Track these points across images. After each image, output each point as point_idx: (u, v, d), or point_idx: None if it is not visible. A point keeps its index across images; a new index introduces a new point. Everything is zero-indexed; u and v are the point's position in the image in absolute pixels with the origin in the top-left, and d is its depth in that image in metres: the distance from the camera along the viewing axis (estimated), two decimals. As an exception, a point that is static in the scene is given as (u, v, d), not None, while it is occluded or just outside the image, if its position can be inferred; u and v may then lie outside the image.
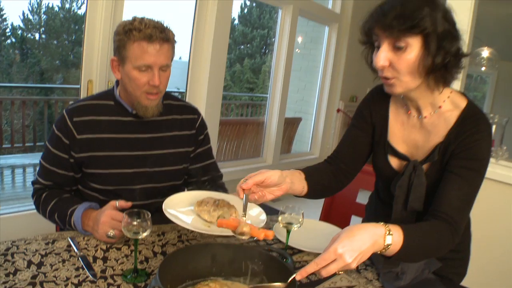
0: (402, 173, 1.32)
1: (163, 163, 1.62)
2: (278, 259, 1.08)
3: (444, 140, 1.25)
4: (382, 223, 1.06)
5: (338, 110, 5.59)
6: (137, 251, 1.18)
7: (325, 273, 0.98)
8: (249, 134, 5.14)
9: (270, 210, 1.28)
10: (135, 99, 1.51)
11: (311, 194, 1.39)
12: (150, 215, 1.15)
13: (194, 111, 1.75)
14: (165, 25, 1.50)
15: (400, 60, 1.14)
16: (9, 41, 8.40)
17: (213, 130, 3.81)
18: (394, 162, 1.37)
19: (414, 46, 1.12)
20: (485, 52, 5.63)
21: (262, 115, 5.02)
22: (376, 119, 1.41)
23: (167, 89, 1.62)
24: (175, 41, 1.53)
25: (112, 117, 1.56)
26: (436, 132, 1.27)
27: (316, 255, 1.39)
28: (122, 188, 1.57)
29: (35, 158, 4.97)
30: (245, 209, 1.14)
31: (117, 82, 1.60)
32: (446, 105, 1.25)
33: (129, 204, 1.36)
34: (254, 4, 12.72)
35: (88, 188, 1.59)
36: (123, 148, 1.55)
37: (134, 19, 1.47)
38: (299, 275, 0.96)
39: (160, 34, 1.44)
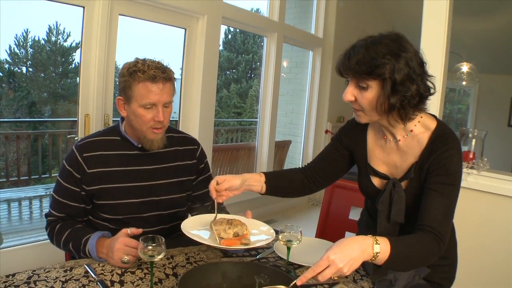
0: (383, 190, 1.47)
1: (168, 192, 1.74)
2: (282, 272, 1.20)
3: (418, 160, 1.39)
4: (370, 235, 1.19)
5: (326, 131, 5.73)
6: (153, 273, 1.29)
7: (321, 278, 1.09)
8: (241, 159, 5.25)
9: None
10: (141, 134, 1.63)
11: (270, 193, 1.64)
12: (163, 240, 1.26)
13: (194, 142, 1.88)
14: (165, 64, 1.64)
15: (362, 97, 1.32)
16: (-4, 74, 8.45)
17: (207, 156, 3.90)
18: (376, 181, 1.52)
19: (373, 87, 1.29)
20: (465, 67, 5.86)
21: (252, 139, 5.15)
22: (353, 145, 1.58)
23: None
24: (175, 79, 1.67)
25: (119, 151, 1.68)
26: (411, 152, 1.42)
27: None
28: (131, 216, 1.67)
29: (30, 191, 5.03)
30: (216, 207, 1.48)
31: (122, 119, 1.72)
32: (418, 128, 1.40)
33: (140, 230, 1.47)
34: (238, 30, 12.95)
35: (98, 218, 1.69)
36: (130, 180, 1.67)
37: (137, 61, 1.61)
38: (299, 281, 1.09)
39: (162, 74, 1.57)
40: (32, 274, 1.37)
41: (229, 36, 13.58)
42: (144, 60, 1.61)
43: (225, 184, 1.47)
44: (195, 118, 3.94)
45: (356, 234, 1.81)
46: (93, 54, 3.07)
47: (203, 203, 1.85)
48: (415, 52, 1.29)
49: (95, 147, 1.66)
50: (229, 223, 1.43)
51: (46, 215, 1.69)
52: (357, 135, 1.56)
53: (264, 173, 1.62)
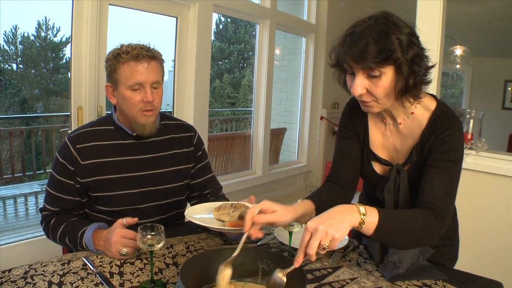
0: (387, 178, 1.42)
1: (166, 181, 1.70)
2: (287, 257, 1.18)
3: (419, 141, 1.35)
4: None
5: (322, 118, 5.72)
6: (153, 263, 1.26)
7: (310, 251, 1.03)
8: (237, 148, 5.23)
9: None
10: (132, 118, 1.59)
11: None
12: (163, 228, 1.23)
13: (190, 129, 1.84)
14: (151, 46, 1.59)
15: (376, 87, 1.22)
16: (-14, 73, 8.37)
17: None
18: (378, 167, 1.48)
19: (387, 73, 1.20)
20: (458, 51, 5.84)
21: (246, 129, 5.12)
22: (358, 129, 1.51)
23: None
24: (163, 60, 1.63)
25: (113, 141, 1.64)
26: (411, 135, 1.38)
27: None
28: (128, 208, 1.64)
29: (25, 188, 4.99)
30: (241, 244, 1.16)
31: (115, 108, 1.68)
32: (418, 110, 1.35)
33: (135, 220, 1.43)
34: (229, 20, 12.87)
35: (95, 211, 1.66)
36: (126, 170, 1.63)
37: (122, 45, 1.57)
38: (296, 263, 1.04)
39: (146, 52, 1.53)
40: (29, 269, 1.34)
41: (221, 26, 13.51)
42: (129, 43, 1.57)
43: (270, 218, 1.23)
44: (189, 108, 3.90)
45: None
46: (83, 45, 3.01)
47: (202, 191, 1.82)
48: (408, 25, 1.22)
49: (88, 138, 1.62)
50: (233, 207, 1.41)
51: (41, 210, 1.65)
52: (358, 120, 1.50)
53: (312, 199, 1.43)
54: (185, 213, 1.40)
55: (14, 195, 4.81)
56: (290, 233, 1.47)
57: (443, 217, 1.23)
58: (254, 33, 4.83)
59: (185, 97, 3.90)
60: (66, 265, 1.38)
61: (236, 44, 13.07)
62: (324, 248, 1.03)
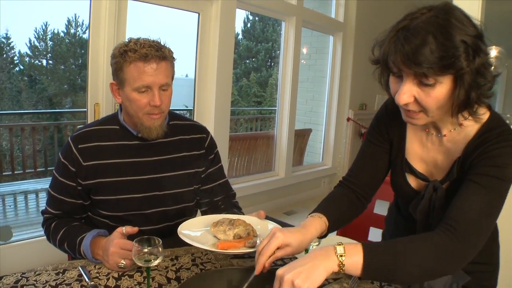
0: (422, 195, 1.23)
1: (173, 186, 1.58)
2: None
3: (461, 155, 1.15)
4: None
5: (348, 119, 5.54)
6: (150, 279, 1.13)
7: None
8: (259, 148, 5.10)
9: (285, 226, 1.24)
10: (138, 121, 1.48)
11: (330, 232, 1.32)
12: (161, 242, 1.11)
13: (202, 130, 1.71)
14: (162, 43, 1.47)
15: (427, 97, 1.02)
16: (17, 68, 8.51)
17: (223, 146, 3.78)
18: (412, 181, 1.29)
19: (444, 83, 0.99)
20: (493, 52, 5.56)
21: (271, 128, 4.99)
22: (392, 135, 1.33)
23: (175, 107, 1.58)
24: (173, 59, 1.50)
25: (117, 141, 1.53)
26: (455, 148, 1.18)
27: (339, 273, 1.34)
28: (132, 213, 1.53)
29: (47, 182, 4.98)
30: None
31: (121, 106, 1.56)
32: (468, 122, 1.14)
33: (136, 229, 1.31)
34: (257, 18, 12.77)
35: (97, 215, 1.55)
36: (130, 173, 1.52)
37: (130, 40, 1.45)
38: None
39: (156, 52, 1.41)
40: (20, 278, 1.24)
41: (248, 25, 13.45)
42: (137, 39, 1.44)
43: (284, 251, 1.11)
44: (210, 107, 3.78)
45: (383, 232, 1.62)
46: (101, 41, 2.93)
47: (213, 198, 1.69)
48: (474, 24, 1.00)
49: (92, 137, 1.51)
50: (231, 224, 1.27)
51: (42, 212, 1.56)
52: (396, 124, 1.31)
53: (325, 214, 1.26)
54: (179, 228, 1.27)
55: (36, 190, 4.82)
56: (306, 251, 1.32)
57: (468, 239, 1.01)
58: (281, 30, 4.68)
59: (206, 97, 3.79)
60: (60, 274, 1.27)
61: (263, 43, 12.98)
62: None
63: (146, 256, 1.09)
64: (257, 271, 1.04)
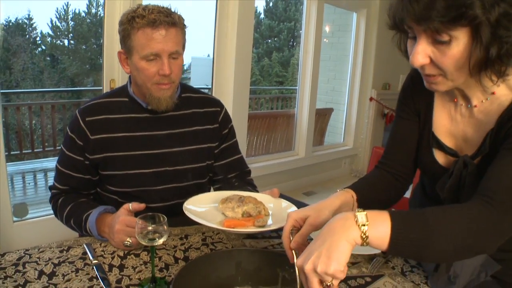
0: (451, 172, 1.11)
1: (184, 161, 1.50)
2: None
3: (494, 126, 1.03)
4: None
5: (371, 99, 5.38)
6: (154, 259, 1.06)
7: None
8: (279, 127, 5.00)
9: (302, 206, 1.15)
10: (146, 91, 1.40)
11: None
12: (166, 219, 1.03)
13: (216, 103, 1.62)
14: (172, 9, 1.38)
15: (443, 56, 0.92)
16: (39, 48, 8.57)
17: (242, 125, 3.73)
18: (440, 157, 1.18)
19: (460, 39, 0.89)
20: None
21: (293, 108, 4.87)
22: (419, 106, 1.22)
23: (195, 85, 1.49)
24: (184, 26, 1.41)
25: (126, 114, 1.45)
26: (488, 120, 1.06)
27: (357, 257, 1.25)
28: (141, 189, 1.46)
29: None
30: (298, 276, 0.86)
31: (130, 78, 1.48)
32: (501, 90, 1.02)
33: (143, 206, 1.24)
34: (279, -4, 12.58)
35: (106, 191, 1.49)
36: (140, 147, 1.44)
37: (138, 6, 1.36)
38: None
39: (165, 18, 1.31)
40: (23, 254, 1.19)
41: (270, 4, 13.26)
42: (146, 5, 1.35)
43: (305, 232, 0.97)
44: (228, 85, 3.69)
45: None
46: (116, 17, 2.83)
47: (227, 174, 1.61)
48: None
49: (100, 110, 1.44)
50: (240, 201, 1.19)
51: (50, 188, 1.50)
52: (422, 95, 1.20)
53: (354, 189, 1.18)
54: (184, 203, 1.21)
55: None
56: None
57: (508, 211, 0.89)
58: (303, 7, 4.53)
59: (225, 74, 3.69)
60: (64, 252, 1.22)
61: (286, 22, 12.81)
62: (328, 286, 0.78)
63: (150, 234, 1.01)
64: (291, 259, 0.93)
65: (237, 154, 1.65)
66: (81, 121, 1.41)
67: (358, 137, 5.50)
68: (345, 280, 1.13)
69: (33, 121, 4.99)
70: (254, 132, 4.81)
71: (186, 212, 1.15)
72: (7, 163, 4.43)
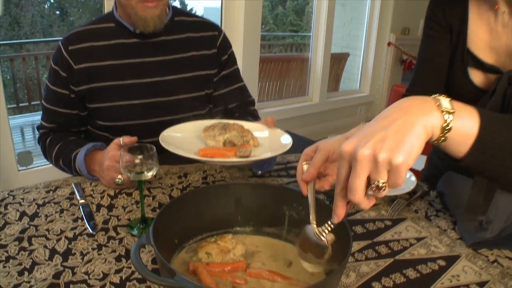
0: (492, 92, 0.96)
1: (179, 90, 1.35)
2: (325, 203, 0.79)
3: None
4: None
5: (389, 44, 5.13)
6: (143, 196, 0.94)
7: (354, 196, 0.56)
8: (293, 72, 4.79)
9: (306, 143, 0.98)
10: (131, 11, 1.23)
11: None
12: (154, 149, 0.90)
13: (213, 27, 1.45)
14: None
15: None
16: (48, 3, 8.37)
17: (253, 68, 3.57)
18: (477, 76, 1.03)
19: None
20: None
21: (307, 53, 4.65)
22: (451, 19, 1.05)
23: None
24: None
25: (113, 40, 1.30)
26: None
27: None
28: (133, 123, 1.33)
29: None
30: (313, 208, 0.73)
31: (115, 1, 1.32)
32: None
33: (135, 139, 1.11)
34: None
35: (96, 128, 1.37)
36: (128, 76, 1.30)
37: None
38: (335, 217, 0.61)
39: None
40: (7, 196, 1.09)
41: None
42: None
43: (319, 157, 0.79)
44: (238, 26, 3.49)
45: (430, 156, 1.36)
46: None
47: (227, 105, 1.47)
48: None
49: (84, 38, 1.29)
50: (223, 128, 1.06)
51: (37, 128, 1.38)
52: (455, 6, 1.04)
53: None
54: (163, 132, 1.10)
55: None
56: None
57: None
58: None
59: (235, 16, 3.48)
60: (51, 192, 1.11)
61: (300, -34, 12.35)
62: (379, 188, 0.55)
63: (138, 167, 0.88)
64: (304, 191, 0.76)
65: (239, 82, 1.51)
66: (63, 51, 1.27)
67: (374, 84, 5.29)
68: (362, 223, 1.00)
69: (40, 72, 4.87)
70: (266, 77, 4.62)
71: (161, 142, 1.02)
72: (17, 115, 4.38)
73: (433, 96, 0.61)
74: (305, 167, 0.79)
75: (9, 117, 2.61)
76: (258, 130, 1.15)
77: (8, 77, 4.57)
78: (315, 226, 0.69)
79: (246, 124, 1.14)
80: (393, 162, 0.53)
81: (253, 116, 1.44)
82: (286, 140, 1.10)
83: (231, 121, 1.14)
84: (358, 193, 0.56)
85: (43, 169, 2.84)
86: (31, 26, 7.24)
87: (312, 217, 0.70)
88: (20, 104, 4.79)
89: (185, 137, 1.13)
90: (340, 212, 0.60)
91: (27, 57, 4.74)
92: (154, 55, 1.32)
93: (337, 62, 5.14)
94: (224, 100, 1.45)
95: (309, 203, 0.73)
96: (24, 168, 2.85)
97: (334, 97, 4.88)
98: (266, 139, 1.13)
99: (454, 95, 1.06)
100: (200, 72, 1.39)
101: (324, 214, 0.68)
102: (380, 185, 0.55)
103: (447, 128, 0.58)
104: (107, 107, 1.30)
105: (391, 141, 0.54)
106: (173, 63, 1.34)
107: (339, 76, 5.26)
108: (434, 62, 1.10)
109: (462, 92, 1.05)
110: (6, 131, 2.57)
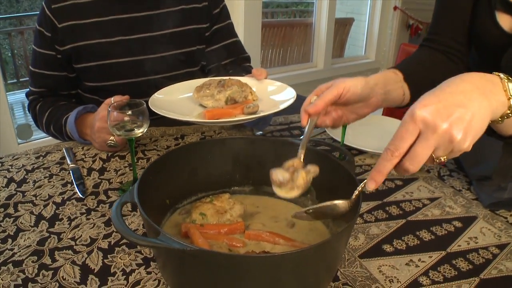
0: None
1: (169, 47, 1.28)
2: (333, 158, 0.72)
3: None
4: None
5: (395, 8, 4.99)
6: (134, 156, 0.88)
7: (412, 164, 0.53)
8: (296, 38, 4.67)
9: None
10: None
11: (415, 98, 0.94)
12: (144, 104, 0.83)
13: None
14: None
15: None
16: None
17: (255, 34, 3.48)
18: (505, 20, 0.93)
19: None
20: None
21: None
22: None
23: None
24: None
25: None
26: None
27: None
28: (122, 82, 1.26)
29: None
30: (305, 141, 0.69)
31: None
32: None
33: (126, 97, 1.04)
34: None
35: (85, 90, 1.30)
36: (114, 33, 1.23)
37: None
38: (372, 184, 0.55)
39: None
40: (-6, 163, 1.03)
41: None
42: None
43: (331, 92, 0.77)
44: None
45: None
46: None
47: (220, 61, 1.39)
48: None
49: None
50: (221, 85, 0.98)
51: (27, 94, 1.31)
52: None
53: (399, 68, 0.96)
54: (152, 96, 1.02)
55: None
56: (344, 126, 1.02)
57: None
58: None
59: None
60: (41, 158, 1.05)
61: None
62: (441, 162, 0.56)
63: (128, 124, 0.81)
64: (303, 122, 0.73)
65: (233, 37, 1.44)
66: (46, 10, 1.20)
67: (380, 50, 5.17)
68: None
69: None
70: (268, 43, 4.50)
71: (151, 107, 0.94)
72: (17, 91, 4.31)
73: (496, 74, 0.59)
74: (313, 100, 0.74)
75: (10, 92, 2.56)
76: (252, 84, 1.07)
77: (9, 54, 4.48)
78: (302, 161, 0.67)
79: (242, 79, 1.07)
80: (461, 146, 0.54)
81: (248, 72, 1.36)
82: (290, 93, 1.03)
83: (224, 77, 1.06)
84: (420, 163, 0.54)
85: (43, 142, 2.78)
86: (30, 0, 7.12)
87: (300, 151, 0.67)
88: (21, 79, 4.72)
89: (176, 99, 1.05)
90: (380, 179, 0.55)
91: (26, 31, 4.63)
92: (141, 10, 1.24)
93: (342, 27, 5.01)
94: (217, 56, 1.38)
95: (303, 136, 0.70)
96: (24, 141, 2.81)
97: (339, 63, 4.79)
98: (260, 93, 1.06)
99: (479, 43, 0.98)
100: (190, 26, 1.31)
101: (329, 171, 0.65)
102: (443, 159, 0.56)
103: (510, 115, 0.59)
104: (94, 66, 1.23)
105: (467, 125, 0.53)
106: (161, 17, 1.26)
107: (343, 42, 5.14)
108: (457, 5, 1.00)
109: (488, 39, 0.96)
110: (4, 105, 2.52)
